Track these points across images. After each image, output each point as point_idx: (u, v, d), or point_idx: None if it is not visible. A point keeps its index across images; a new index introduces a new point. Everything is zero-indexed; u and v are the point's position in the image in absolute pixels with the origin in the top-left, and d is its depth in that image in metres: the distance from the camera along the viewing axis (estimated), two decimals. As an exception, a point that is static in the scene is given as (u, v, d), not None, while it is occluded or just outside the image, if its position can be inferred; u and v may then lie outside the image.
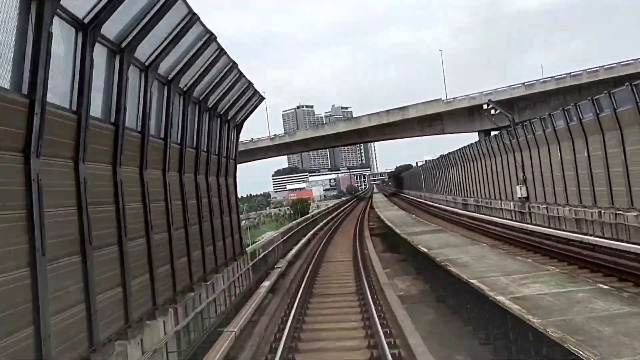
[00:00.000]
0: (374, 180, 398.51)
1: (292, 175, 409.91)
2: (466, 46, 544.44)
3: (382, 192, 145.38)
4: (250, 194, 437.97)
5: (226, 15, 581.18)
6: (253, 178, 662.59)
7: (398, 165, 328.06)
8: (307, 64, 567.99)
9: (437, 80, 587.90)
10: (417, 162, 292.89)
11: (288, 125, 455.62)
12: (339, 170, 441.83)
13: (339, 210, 63.88)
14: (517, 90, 54.19)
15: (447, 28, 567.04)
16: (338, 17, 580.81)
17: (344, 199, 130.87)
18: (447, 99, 59.00)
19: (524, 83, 53.53)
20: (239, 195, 18.98)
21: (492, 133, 58.12)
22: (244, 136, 61.08)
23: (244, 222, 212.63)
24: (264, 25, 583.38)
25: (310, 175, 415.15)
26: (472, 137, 60.58)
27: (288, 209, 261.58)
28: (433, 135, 65.51)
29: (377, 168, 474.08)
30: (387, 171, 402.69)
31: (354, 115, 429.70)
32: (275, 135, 70.85)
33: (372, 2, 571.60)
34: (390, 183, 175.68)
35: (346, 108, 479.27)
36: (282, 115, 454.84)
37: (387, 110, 62.36)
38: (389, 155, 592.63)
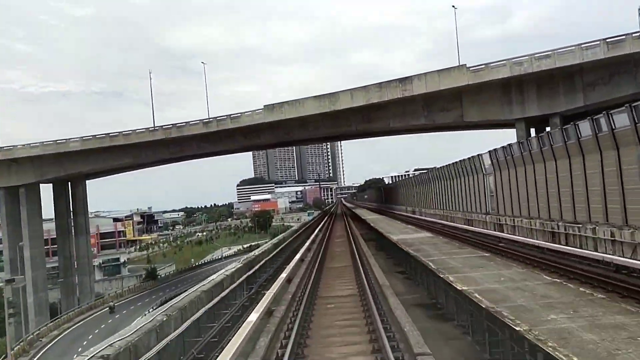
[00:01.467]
0: (341, 193, 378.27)
1: (257, 186, 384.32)
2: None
3: (359, 206, 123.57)
4: (215, 204, 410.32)
5: (193, 25, 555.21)
6: (218, 188, 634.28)
7: (367, 180, 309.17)
8: (277, 79, 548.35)
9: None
10: (395, 177, 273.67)
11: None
12: (307, 182, 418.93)
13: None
14: (590, 52, 33.34)
15: (412, 52, 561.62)
16: (307, 36, 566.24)
17: (310, 218, 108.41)
18: (472, 67, 37.60)
19: (604, 40, 32.68)
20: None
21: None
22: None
23: (197, 234, 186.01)
24: (232, 38, 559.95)
25: (276, 187, 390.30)
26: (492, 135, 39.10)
27: (249, 221, 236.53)
28: (445, 128, 44.73)
29: (344, 182, 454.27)
30: (354, 185, 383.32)
31: None
32: (212, 119, 47.76)
33: (340, 24, 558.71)
34: (365, 196, 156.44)
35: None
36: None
37: (380, 84, 40.64)
38: (354, 170, 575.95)
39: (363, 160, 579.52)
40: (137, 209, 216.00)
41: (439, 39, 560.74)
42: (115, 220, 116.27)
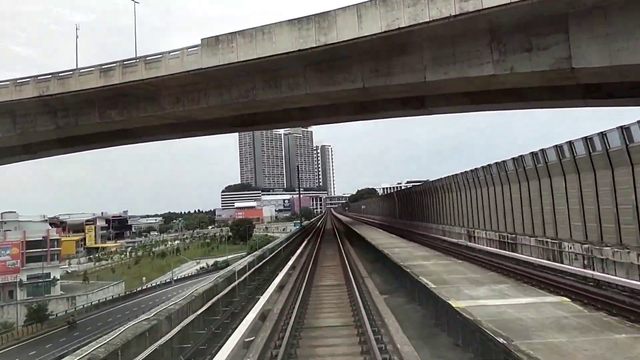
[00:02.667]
0: (331, 203, 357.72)
1: (242, 193, 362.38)
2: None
3: (355, 220, 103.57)
4: (199, 210, 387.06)
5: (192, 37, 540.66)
6: (205, 194, 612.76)
7: (359, 189, 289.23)
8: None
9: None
10: (387, 188, 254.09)
11: (244, 140, 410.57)
12: (295, 191, 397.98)
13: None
14: None
15: None
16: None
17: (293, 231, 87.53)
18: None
19: None
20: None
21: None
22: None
23: (168, 243, 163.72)
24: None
25: (263, 194, 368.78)
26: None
27: (227, 231, 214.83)
28: (539, 92, 24.94)
29: (334, 192, 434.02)
30: (344, 195, 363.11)
31: (314, 138, 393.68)
32: (114, 63, 27.29)
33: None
34: (363, 207, 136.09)
35: (306, 127, 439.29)
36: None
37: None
38: (343, 180, 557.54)
39: (352, 171, 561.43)
40: (102, 212, 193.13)
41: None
42: (53, 225, 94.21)
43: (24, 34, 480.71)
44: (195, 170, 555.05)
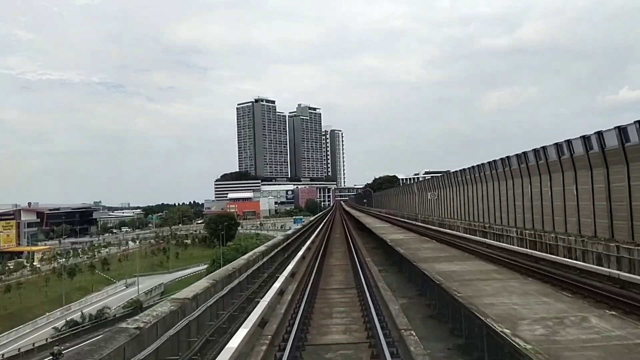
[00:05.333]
0: (341, 195, 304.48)
1: (240, 182, 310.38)
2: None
3: (389, 221, 51.40)
4: (194, 202, 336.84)
5: (197, 21, 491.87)
6: (200, 183, 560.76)
7: (377, 177, 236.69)
8: (280, 80, 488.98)
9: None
10: (404, 179, 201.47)
11: (243, 121, 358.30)
12: (300, 181, 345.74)
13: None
14: None
15: (418, 59, 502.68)
16: (312, 37, 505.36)
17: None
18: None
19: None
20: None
21: None
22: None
23: (129, 243, 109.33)
24: (235, 36, 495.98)
25: (263, 184, 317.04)
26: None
27: (199, 231, 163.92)
28: None
29: (344, 182, 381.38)
30: (356, 187, 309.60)
31: (322, 119, 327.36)
32: None
33: (346, 27, 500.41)
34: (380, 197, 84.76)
35: (314, 109, 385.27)
36: (237, 109, 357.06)
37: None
38: (353, 172, 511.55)
39: (364, 162, 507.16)
40: (30, 203, 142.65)
41: (445, 47, 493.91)
42: None
43: (25, 18, 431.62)
44: (190, 159, 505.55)
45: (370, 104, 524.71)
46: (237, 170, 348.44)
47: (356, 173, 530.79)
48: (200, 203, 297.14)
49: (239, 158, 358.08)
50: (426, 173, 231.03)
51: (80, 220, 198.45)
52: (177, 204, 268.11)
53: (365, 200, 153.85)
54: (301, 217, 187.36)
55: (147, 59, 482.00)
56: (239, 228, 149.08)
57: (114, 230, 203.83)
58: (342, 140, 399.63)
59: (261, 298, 10.80)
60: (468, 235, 26.63)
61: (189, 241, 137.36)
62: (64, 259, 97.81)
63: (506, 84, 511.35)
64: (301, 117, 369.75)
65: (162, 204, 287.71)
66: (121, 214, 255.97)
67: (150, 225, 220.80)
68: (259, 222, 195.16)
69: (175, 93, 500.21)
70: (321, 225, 54.20)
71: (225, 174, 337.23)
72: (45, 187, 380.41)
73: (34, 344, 43.90)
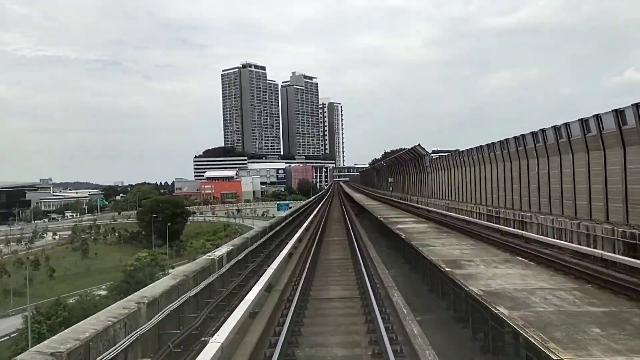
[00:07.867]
0: (339, 175, 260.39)
1: (222, 159, 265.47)
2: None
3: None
4: (172, 182, 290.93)
5: None
6: (177, 160, 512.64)
7: (387, 151, 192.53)
8: (278, 58, 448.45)
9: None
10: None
11: (229, 90, 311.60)
12: (294, 159, 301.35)
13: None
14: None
15: (418, 38, 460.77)
16: (311, 14, 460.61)
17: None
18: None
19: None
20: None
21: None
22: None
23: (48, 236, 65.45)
24: (231, 11, 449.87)
25: (250, 162, 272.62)
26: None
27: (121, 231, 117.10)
28: None
29: (343, 161, 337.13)
30: (356, 166, 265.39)
31: (319, 89, 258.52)
32: None
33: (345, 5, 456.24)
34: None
35: (311, 78, 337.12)
36: (222, 75, 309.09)
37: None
38: (353, 150, 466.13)
39: (365, 140, 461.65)
40: None
41: (447, 25, 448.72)
42: None
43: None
44: (172, 136, 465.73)
45: (370, 83, 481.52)
46: (222, 145, 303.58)
47: (356, 152, 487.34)
48: (170, 183, 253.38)
49: (224, 132, 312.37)
50: (434, 152, 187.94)
51: (6, 202, 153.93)
52: (145, 184, 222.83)
53: (366, 181, 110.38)
54: (288, 202, 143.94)
55: (144, 35, 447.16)
56: (195, 216, 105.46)
57: (54, 216, 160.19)
58: (342, 115, 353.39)
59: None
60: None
61: (114, 236, 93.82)
62: None
63: (510, 65, 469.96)
64: (296, 86, 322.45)
65: (131, 185, 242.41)
66: (75, 194, 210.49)
67: (107, 209, 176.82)
68: (235, 208, 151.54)
69: (172, 70, 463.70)
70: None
71: (207, 150, 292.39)
72: None
73: None
